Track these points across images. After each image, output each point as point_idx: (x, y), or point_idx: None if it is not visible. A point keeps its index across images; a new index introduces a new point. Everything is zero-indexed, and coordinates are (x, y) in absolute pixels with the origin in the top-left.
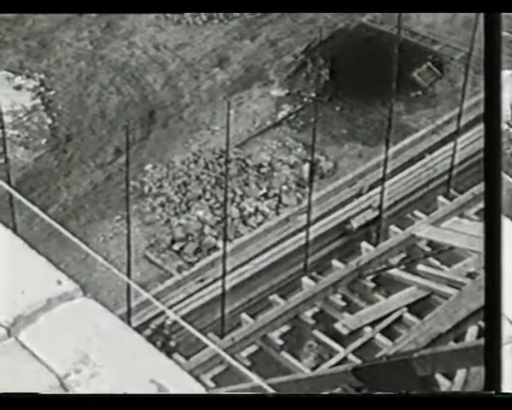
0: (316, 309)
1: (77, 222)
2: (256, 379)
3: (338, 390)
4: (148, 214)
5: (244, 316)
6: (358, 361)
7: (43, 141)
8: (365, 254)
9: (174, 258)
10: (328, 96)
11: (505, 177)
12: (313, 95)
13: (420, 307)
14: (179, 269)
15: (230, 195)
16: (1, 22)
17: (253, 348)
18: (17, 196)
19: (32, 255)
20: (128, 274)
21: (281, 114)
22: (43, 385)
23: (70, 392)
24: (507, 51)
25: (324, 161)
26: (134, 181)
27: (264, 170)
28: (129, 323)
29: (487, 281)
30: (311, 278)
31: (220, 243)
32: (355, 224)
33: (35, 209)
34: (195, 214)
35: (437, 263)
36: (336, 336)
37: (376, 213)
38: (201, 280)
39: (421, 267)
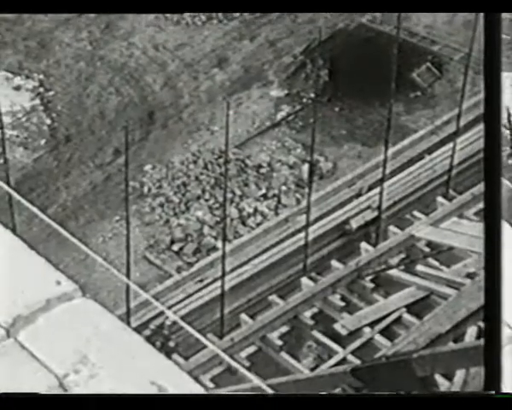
0: (315, 310)
1: (76, 222)
2: (255, 380)
3: (337, 391)
4: (147, 215)
5: (243, 316)
6: (358, 362)
7: (43, 141)
8: (364, 255)
9: (173, 258)
10: (328, 96)
11: (504, 181)
12: (312, 95)
13: (419, 308)
14: (178, 269)
15: (230, 195)
16: (0, 23)
17: (252, 349)
18: (16, 196)
19: (31, 256)
20: (127, 275)
21: (280, 115)
22: (42, 386)
23: (70, 392)
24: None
25: (323, 161)
26: (133, 181)
27: (263, 170)
28: (128, 323)
29: (487, 281)
30: (311, 278)
31: (219, 244)
32: (354, 224)
33: (34, 210)
34: (195, 215)
35: (436, 263)
36: (335, 337)
37: (376, 213)
38: (201, 280)
39: (420, 268)
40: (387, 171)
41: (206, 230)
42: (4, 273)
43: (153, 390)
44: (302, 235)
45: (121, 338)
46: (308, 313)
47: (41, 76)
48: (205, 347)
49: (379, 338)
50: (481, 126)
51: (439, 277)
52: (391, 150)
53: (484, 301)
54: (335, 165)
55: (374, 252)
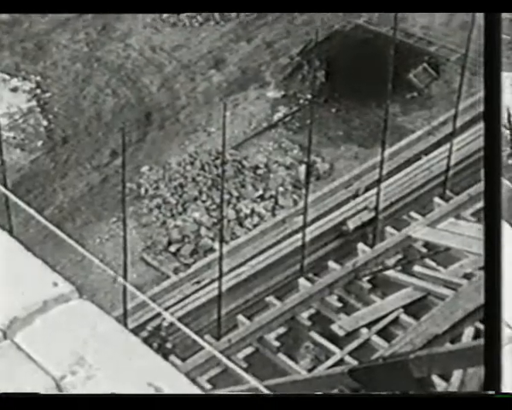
0: (312, 311)
1: (73, 224)
2: (252, 381)
3: (335, 392)
4: (144, 216)
5: (240, 318)
6: (355, 363)
7: (39, 143)
8: (361, 256)
9: (170, 260)
10: (324, 97)
11: (504, 181)
12: (309, 96)
13: (416, 308)
14: (175, 271)
15: (227, 196)
16: None
17: (249, 350)
18: (13, 198)
19: (28, 257)
20: (124, 276)
21: (277, 116)
22: (39, 387)
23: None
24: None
25: (320, 162)
26: (130, 183)
27: (260, 171)
28: (125, 325)
29: (487, 281)
30: (308, 279)
31: (216, 245)
32: (351, 225)
33: (31, 211)
34: (192, 216)
35: (433, 264)
36: (333, 338)
37: (372, 214)
38: (198, 282)
39: (417, 268)
40: (384, 172)
41: (203, 231)
42: (1, 275)
43: (150, 392)
44: (299, 236)
45: (118, 340)
46: (305, 314)
47: (38, 78)
48: (202, 348)
49: (376, 339)
50: (478, 127)
51: (436, 277)
52: (388, 151)
53: (484, 301)
54: (332, 166)
55: (371, 253)
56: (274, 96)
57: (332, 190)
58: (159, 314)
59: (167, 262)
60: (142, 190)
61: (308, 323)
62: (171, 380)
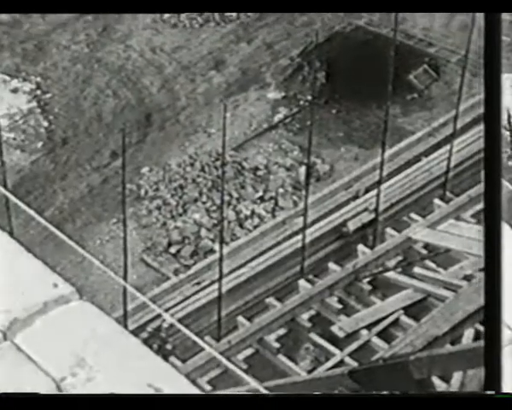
0: (312, 312)
1: (73, 225)
2: (252, 382)
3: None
4: (144, 217)
5: (240, 319)
6: (355, 364)
7: (40, 144)
8: (362, 257)
9: (171, 261)
10: (325, 98)
11: (504, 183)
12: (309, 98)
13: (416, 310)
14: (176, 272)
15: (227, 198)
16: None
17: (249, 351)
18: (13, 199)
19: (28, 258)
20: (124, 277)
21: (277, 117)
22: (40, 389)
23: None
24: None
25: (320, 163)
26: (130, 184)
27: (260, 173)
28: (125, 326)
29: (487, 282)
30: (308, 280)
31: (217, 246)
32: (351, 226)
33: (31, 212)
34: (192, 217)
35: (433, 266)
36: (333, 339)
37: (373, 215)
38: (198, 283)
39: (417, 270)
40: (384, 173)
41: (203, 232)
42: (1, 276)
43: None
44: (299, 237)
45: (118, 341)
46: (305, 316)
47: (38, 79)
48: (202, 349)
49: (376, 340)
50: (478, 128)
51: (436, 279)
52: (388, 152)
53: (484, 303)
54: (332, 167)
55: (371, 254)
56: (274, 98)
57: (332, 191)
58: (159, 316)
59: (167, 263)
60: (143, 192)
61: (308, 324)
62: (172, 381)
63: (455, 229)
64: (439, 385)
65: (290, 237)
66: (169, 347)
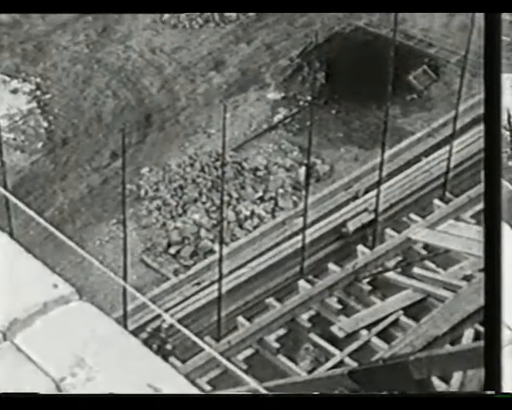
0: (312, 312)
1: (73, 226)
2: (252, 382)
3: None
4: (144, 218)
5: (240, 319)
6: (355, 364)
7: (40, 144)
8: (361, 258)
9: (170, 261)
10: (324, 99)
11: (504, 183)
12: (309, 98)
13: (416, 310)
14: (175, 272)
15: (226, 198)
16: None
17: (249, 352)
18: (13, 199)
19: (28, 259)
20: (124, 278)
21: (277, 118)
22: (39, 389)
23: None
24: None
25: (320, 164)
26: (130, 184)
27: (260, 173)
28: (125, 326)
29: (487, 282)
30: (308, 281)
31: (216, 247)
32: (351, 227)
33: (31, 213)
34: (192, 218)
35: (433, 266)
36: (332, 339)
37: (372, 216)
38: (198, 283)
39: (417, 270)
40: (384, 173)
41: (203, 233)
42: (1, 276)
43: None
44: (299, 238)
45: (118, 341)
46: (305, 316)
47: (38, 79)
48: (202, 350)
49: (376, 341)
50: (478, 129)
51: (436, 279)
52: (387, 153)
53: (484, 303)
54: (332, 167)
55: (370, 255)
56: (274, 98)
57: (332, 191)
58: (159, 316)
59: (167, 264)
60: (142, 192)
61: (308, 324)
62: (171, 382)
63: (454, 229)
64: (439, 385)
65: (290, 237)
66: (169, 347)
